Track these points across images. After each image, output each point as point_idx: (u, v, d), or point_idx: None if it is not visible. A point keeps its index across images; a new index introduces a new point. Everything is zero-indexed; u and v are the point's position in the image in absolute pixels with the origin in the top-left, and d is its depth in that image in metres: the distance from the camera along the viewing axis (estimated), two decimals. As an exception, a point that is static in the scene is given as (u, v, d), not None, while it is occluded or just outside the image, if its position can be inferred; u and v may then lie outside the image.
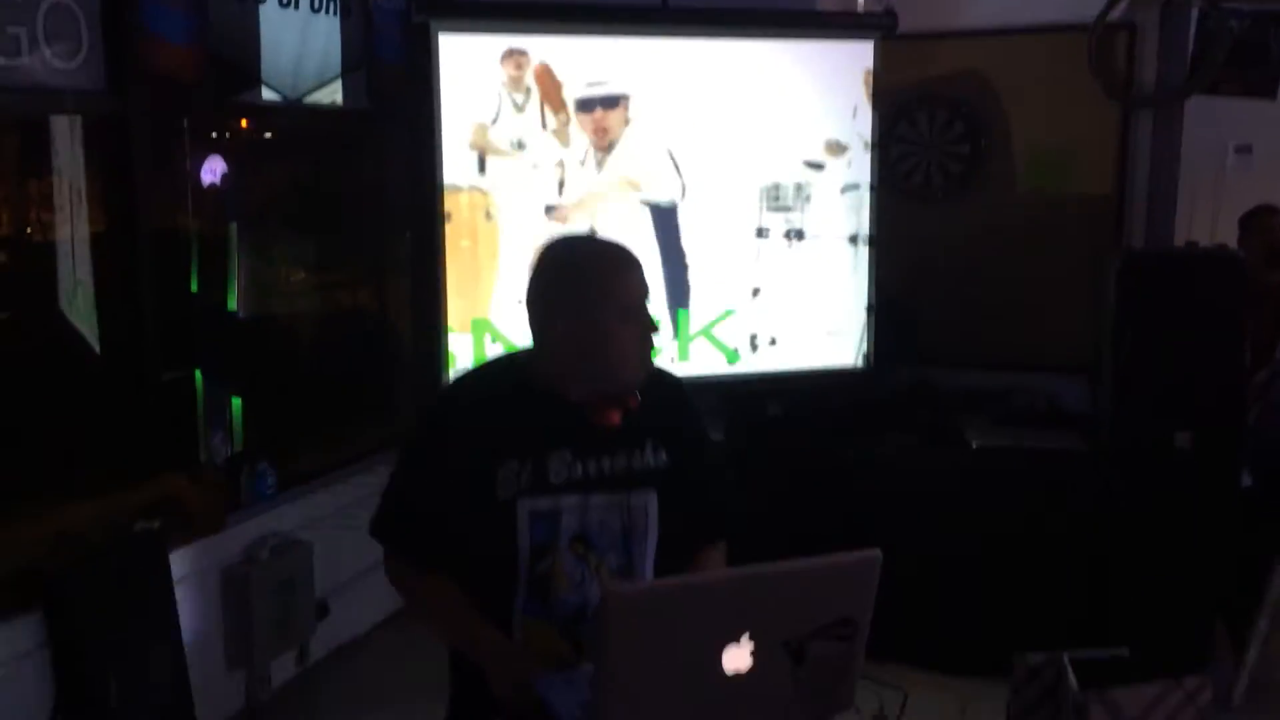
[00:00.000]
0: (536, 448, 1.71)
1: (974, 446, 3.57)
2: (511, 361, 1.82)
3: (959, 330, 4.04)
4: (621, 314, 1.67)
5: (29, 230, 3.35)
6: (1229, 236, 4.11)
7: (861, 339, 3.76)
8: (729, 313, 3.64)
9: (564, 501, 1.70)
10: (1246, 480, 3.36)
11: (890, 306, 3.80)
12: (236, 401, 3.69)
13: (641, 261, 1.74)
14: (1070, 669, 1.52)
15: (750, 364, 3.67)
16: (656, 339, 1.73)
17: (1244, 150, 7.18)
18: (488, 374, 1.85)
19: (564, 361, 1.71)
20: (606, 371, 1.70)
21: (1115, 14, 3.78)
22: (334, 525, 3.61)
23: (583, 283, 1.70)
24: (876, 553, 1.37)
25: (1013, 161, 4.02)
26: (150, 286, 3.18)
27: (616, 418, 1.72)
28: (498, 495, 1.69)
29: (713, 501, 1.86)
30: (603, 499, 1.73)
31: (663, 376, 1.87)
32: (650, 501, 1.76)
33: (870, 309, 3.74)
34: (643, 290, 1.71)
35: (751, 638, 1.33)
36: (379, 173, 4.37)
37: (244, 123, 3.87)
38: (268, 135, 4.06)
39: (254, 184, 4.04)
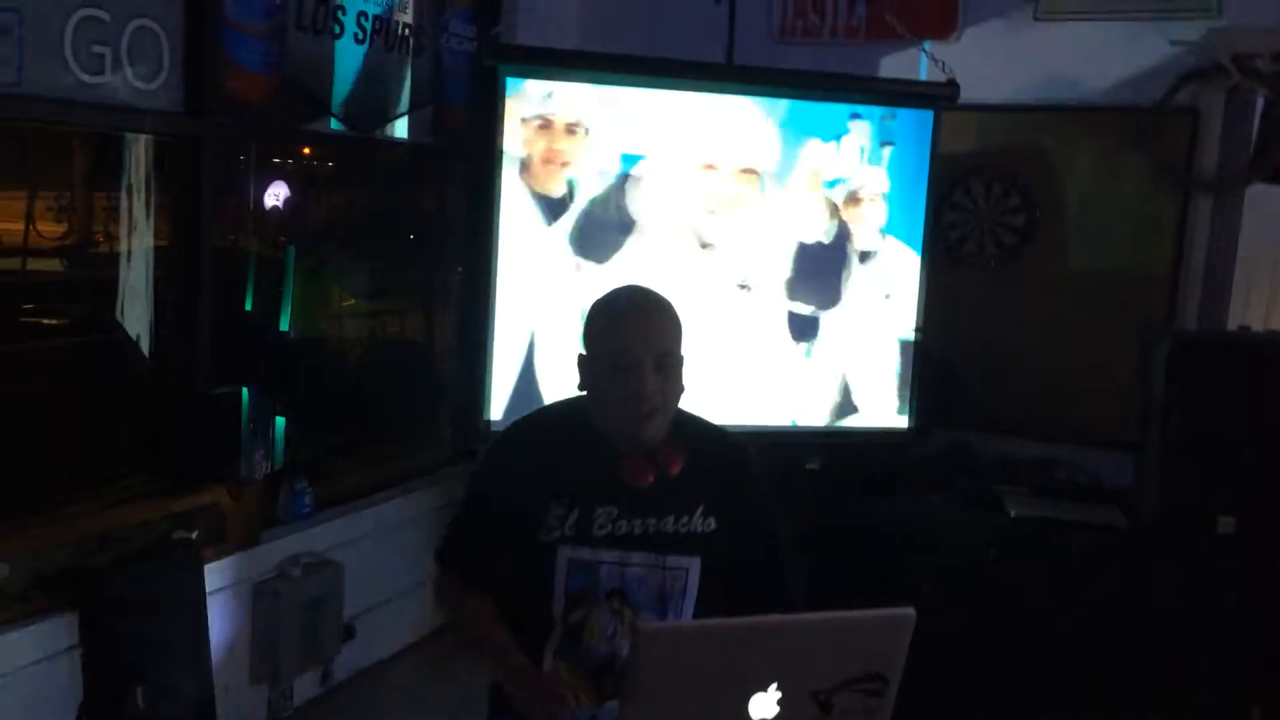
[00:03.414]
0: (585, 497, 1.72)
1: (1012, 515, 3.54)
2: (577, 404, 1.83)
3: (1002, 397, 4.01)
4: (610, 361, 1.68)
5: (96, 240, 3.44)
6: (1281, 323, 4.07)
7: (905, 401, 3.75)
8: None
9: (604, 555, 1.72)
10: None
11: (935, 370, 3.79)
12: (280, 420, 3.75)
13: (666, 310, 1.74)
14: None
15: (791, 417, 3.68)
16: (667, 393, 1.71)
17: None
18: (554, 414, 1.88)
19: (592, 413, 1.77)
20: (610, 424, 1.73)
21: (1179, 98, 3.79)
22: (367, 548, 3.64)
23: (591, 326, 1.76)
24: (911, 611, 1.36)
25: (1066, 235, 4.02)
26: (208, 302, 3.25)
27: (650, 479, 1.72)
28: (540, 538, 1.71)
29: (771, 575, 1.83)
30: (643, 558, 1.73)
31: (728, 441, 1.86)
32: (692, 567, 1.76)
33: (916, 371, 3.73)
34: (638, 340, 1.68)
35: (780, 686, 1.33)
36: (438, 207, 4.45)
37: (310, 150, 3.97)
38: (332, 164, 4.16)
39: (315, 210, 4.13)
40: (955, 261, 4.09)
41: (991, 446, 3.97)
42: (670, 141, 3.52)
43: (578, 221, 3.47)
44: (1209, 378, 3.28)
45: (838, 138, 3.64)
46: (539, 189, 3.44)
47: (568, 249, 3.47)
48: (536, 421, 1.88)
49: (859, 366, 3.71)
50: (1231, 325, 3.80)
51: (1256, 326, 3.67)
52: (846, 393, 3.70)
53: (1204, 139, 3.81)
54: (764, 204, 3.58)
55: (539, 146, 3.42)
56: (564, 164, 3.44)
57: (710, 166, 3.54)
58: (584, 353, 1.77)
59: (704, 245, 3.56)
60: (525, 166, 3.42)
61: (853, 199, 3.67)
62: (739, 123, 3.56)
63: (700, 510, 1.76)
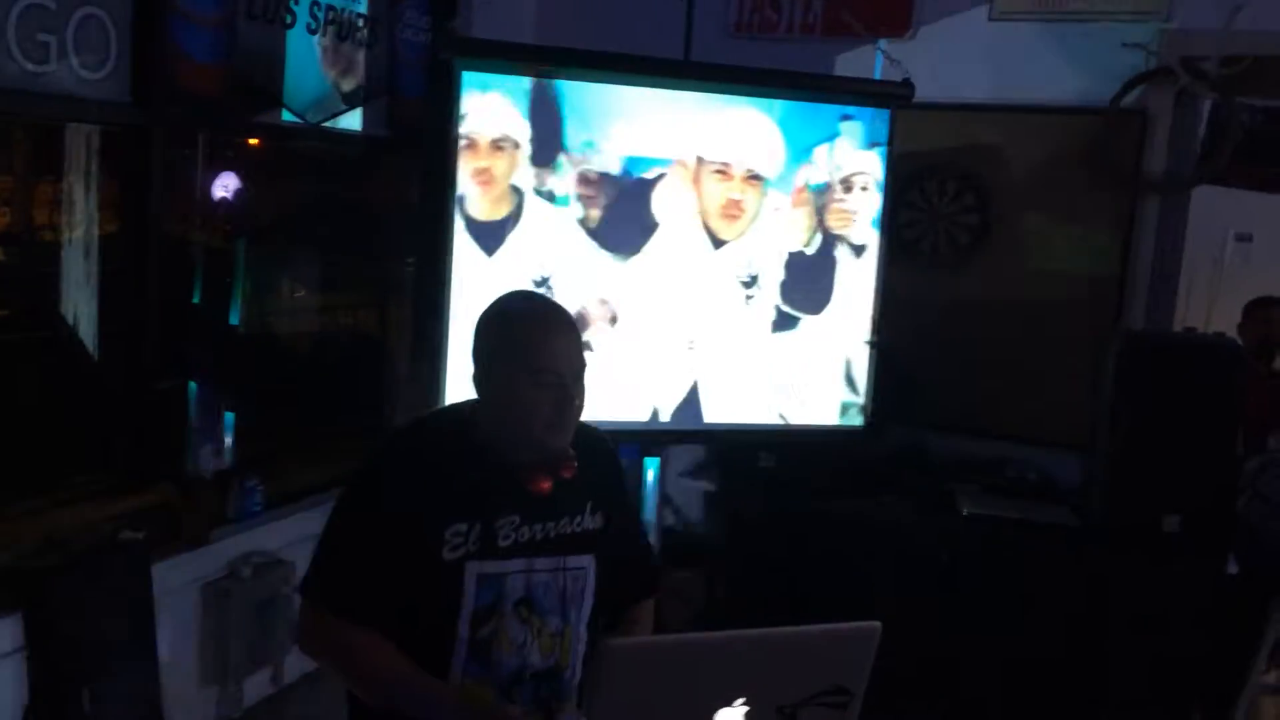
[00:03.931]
0: (484, 510, 1.68)
1: (965, 514, 3.58)
2: (456, 415, 1.79)
3: (956, 397, 4.06)
4: (533, 376, 1.65)
5: (40, 231, 3.36)
6: (1224, 323, 4.16)
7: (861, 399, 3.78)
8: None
9: (510, 565, 1.69)
10: (1233, 567, 3.37)
11: (892, 369, 3.82)
12: (230, 415, 3.69)
13: (574, 325, 1.74)
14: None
15: (746, 415, 3.68)
16: (580, 406, 1.70)
17: (1244, 239, 7.30)
18: (433, 428, 1.82)
19: (490, 420, 1.71)
20: (519, 434, 1.68)
21: (1128, 100, 3.85)
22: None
23: (504, 338, 1.70)
24: (877, 625, 1.37)
25: (1020, 235, 4.06)
26: (155, 295, 3.18)
27: (548, 486, 1.70)
28: (444, 557, 1.65)
29: (641, 558, 1.89)
30: (546, 562, 1.72)
31: (594, 435, 1.85)
32: (589, 565, 1.77)
33: (871, 370, 3.76)
34: (562, 356, 1.67)
35: (745, 701, 1.33)
36: (391, 199, 4.40)
37: (260, 141, 3.90)
38: (283, 155, 4.09)
39: (266, 202, 4.07)
40: (911, 260, 4.13)
41: (947, 446, 4.02)
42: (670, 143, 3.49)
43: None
44: (1155, 377, 3.34)
45: (831, 139, 3.64)
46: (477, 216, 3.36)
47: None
48: (412, 444, 1.79)
49: (823, 366, 3.72)
50: (1177, 326, 3.88)
51: (1199, 326, 3.74)
52: (811, 390, 3.71)
53: (1152, 141, 3.87)
54: (765, 209, 3.59)
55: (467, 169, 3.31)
56: (491, 182, 3.33)
57: (723, 172, 3.52)
58: (491, 360, 1.71)
59: (718, 243, 3.55)
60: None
61: (840, 194, 3.66)
62: (745, 127, 3.55)
63: (589, 508, 1.78)
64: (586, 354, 1.74)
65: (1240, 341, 4.15)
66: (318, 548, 1.73)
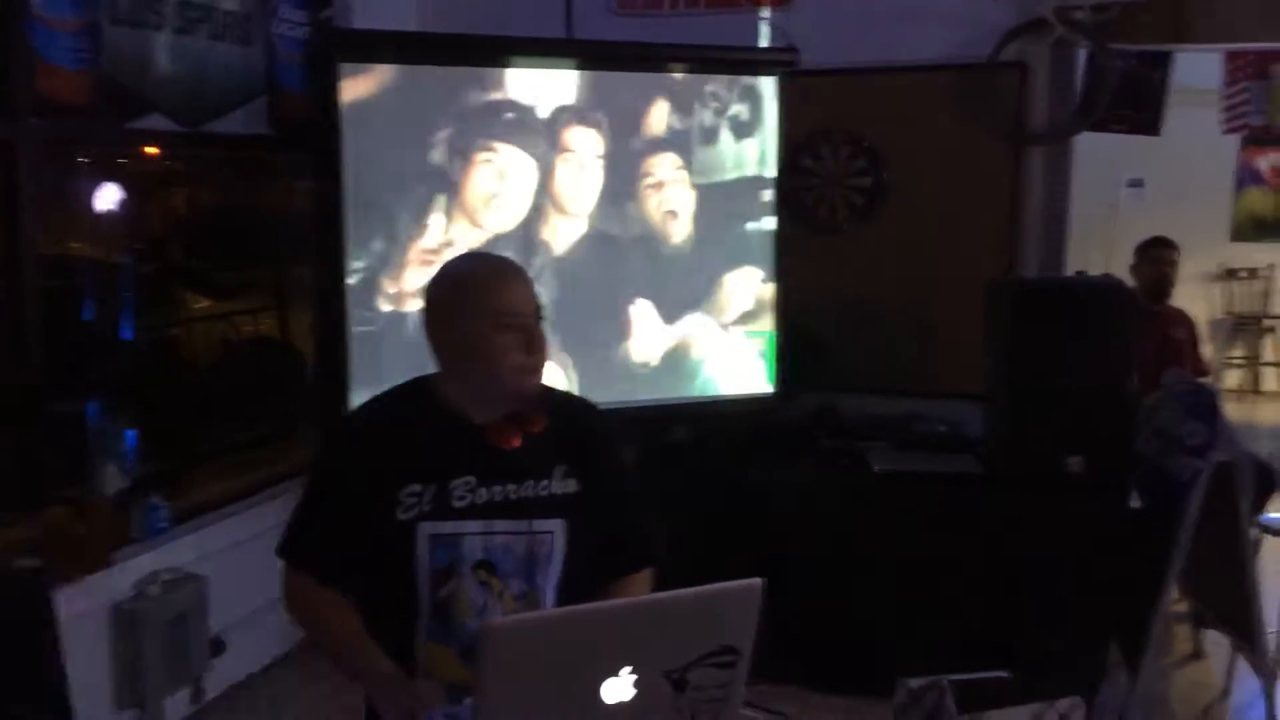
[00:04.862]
0: (440, 472, 1.70)
1: (876, 471, 3.63)
2: (418, 385, 1.80)
3: (862, 357, 4.11)
4: (495, 320, 1.67)
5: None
6: (1123, 267, 4.26)
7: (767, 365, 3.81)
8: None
9: (466, 527, 1.70)
10: (1136, 502, 3.46)
11: (796, 333, 3.85)
12: (129, 432, 3.59)
13: (526, 274, 1.76)
14: (950, 692, 1.55)
15: (657, 389, 3.69)
16: (546, 349, 1.72)
17: (1137, 184, 7.50)
18: (393, 397, 1.84)
19: (453, 373, 1.73)
20: (490, 380, 1.70)
21: (1006, 53, 3.91)
22: (230, 559, 3.52)
23: (459, 292, 1.72)
24: (757, 581, 1.37)
25: (913, 194, 4.12)
26: (36, 314, 3.08)
27: (517, 440, 1.71)
28: (398, 517, 1.68)
29: (632, 529, 1.85)
30: (506, 525, 1.72)
31: (577, 403, 1.89)
32: (558, 529, 1.75)
33: (776, 336, 3.78)
34: (521, 298, 1.70)
35: (633, 670, 1.33)
36: (283, 199, 4.31)
37: (144, 149, 3.79)
38: (166, 162, 3.99)
39: (152, 211, 3.96)
40: (807, 226, 4.16)
41: (857, 406, 4.07)
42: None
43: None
44: (1049, 322, 3.40)
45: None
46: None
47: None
48: (373, 407, 1.84)
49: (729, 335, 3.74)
50: (1070, 272, 3.96)
51: (1097, 272, 3.82)
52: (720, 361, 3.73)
53: (1033, 92, 3.95)
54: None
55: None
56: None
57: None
58: (451, 318, 1.71)
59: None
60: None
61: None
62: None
63: (560, 472, 1.77)
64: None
65: (1135, 282, 4.27)
66: (293, 510, 1.80)
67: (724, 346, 3.74)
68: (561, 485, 1.77)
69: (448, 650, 1.69)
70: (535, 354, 1.70)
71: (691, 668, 1.36)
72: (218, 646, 3.45)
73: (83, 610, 3.04)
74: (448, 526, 1.69)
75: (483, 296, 1.69)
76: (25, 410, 3.11)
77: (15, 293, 3.04)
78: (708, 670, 1.37)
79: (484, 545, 1.70)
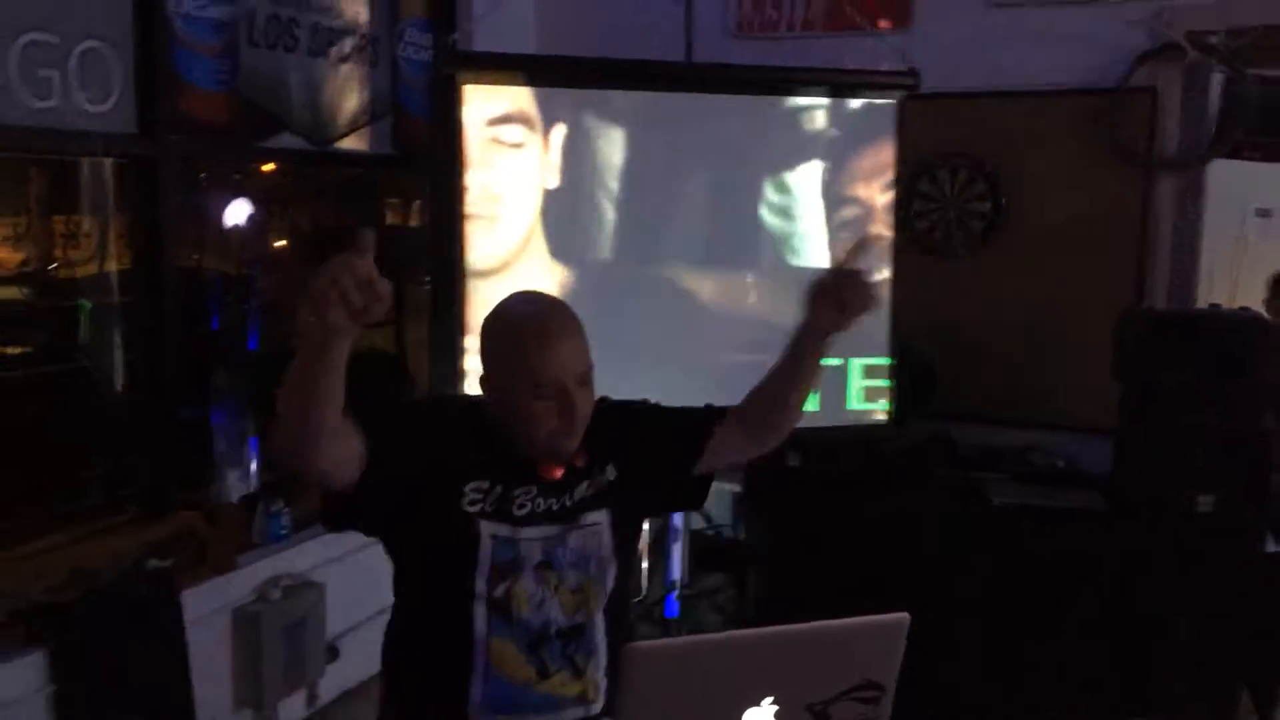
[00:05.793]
0: (506, 475, 1.72)
1: (995, 504, 3.54)
2: (474, 400, 1.82)
3: (979, 387, 4.02)
4: (531, 387, 1.65)
5: (56, 266, 3.39)
6: (1249, 299, 4.10)
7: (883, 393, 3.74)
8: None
9: (526, 533, 1.71)
10: (1273, 546, 3.32)
11: (911, 361, 3.78)
12: (254, 440, 3.70)
13: (575, 325, 1.71)
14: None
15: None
16: (587, 408, 1.70)
17: (1264, 214, 7.21)
18: (456, 401, 1.92)
19: (497, 415, 1.72)
20: (526, 439, 1.70)
21: (1137, 79, 3.81)
22: (347, 567, 3.59)
23: (501, 347, 1.70)
24: (905, 616, 1.35)
25: (1035, 220, 4.03)
26: (173, 325, 3.19)
27: (560, 474, 1.73)
28: (463, 509, 1.69)
29: (682, 410, 1.91)
30: (562, 527, 1.74)
31: (598, 408, 1.83)
32: (604, 520, 1.77)
33: (891, 363, 3.72)
34: (561, 362, 1.66)
35: (774, 700, 1.31)
36: (402, 218, 4.41)
37: (271, 166, 3.92)
38: (295, 179, 4.11)
39: (278, 226, 4.08)
40: (925, 251, 4.10)
41: (972, 437, 3.98)
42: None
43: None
44: (1181, 356, 3.29)
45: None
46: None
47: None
48: (461, 402, 1.90)
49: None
50: (1201, 304, 3.83)
51: (1223, 304, 3.69)
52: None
53: (1164, 117, 3.83)
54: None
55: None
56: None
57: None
58: (489, 374, 1.72)
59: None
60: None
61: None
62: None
63: (601, 466, 1.80)
64: (590, 351, 1.73)
65: (1269, 316, 4.10)
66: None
67: (838, 372, 3.69)
68: (604, 476, 1.79)
69: (510, 644, 1.69)
70: (571, 422, 1.68)
71: (834, 701, 1.34)
72: (332, 653, 3.52)
73: (207, 612, 3.13)
74: (507, 530, 1.70)
75: (521, 359, 1.66)
76: (158, 418, 3.23)
77: (156, 305, 3.16)
78: (851, 705, 1.34)
79: (543, 547, 1.72)
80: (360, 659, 3.70)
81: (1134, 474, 3.40)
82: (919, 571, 3.41)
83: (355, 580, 3.58)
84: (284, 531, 3.47)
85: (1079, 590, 3.31)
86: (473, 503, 1.69)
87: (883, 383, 3.71)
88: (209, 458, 3.56)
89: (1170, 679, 3.19)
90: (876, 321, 3.69)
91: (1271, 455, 3.35)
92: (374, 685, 3.71)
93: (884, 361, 3.71)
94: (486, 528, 1.69)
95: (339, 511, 1.66)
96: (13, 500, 3.00)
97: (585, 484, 1.77)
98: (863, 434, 3.73)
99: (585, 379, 1.70)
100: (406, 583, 1.77)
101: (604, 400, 1.84)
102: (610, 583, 1.77)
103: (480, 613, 1.68)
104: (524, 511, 1.71)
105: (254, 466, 3.67)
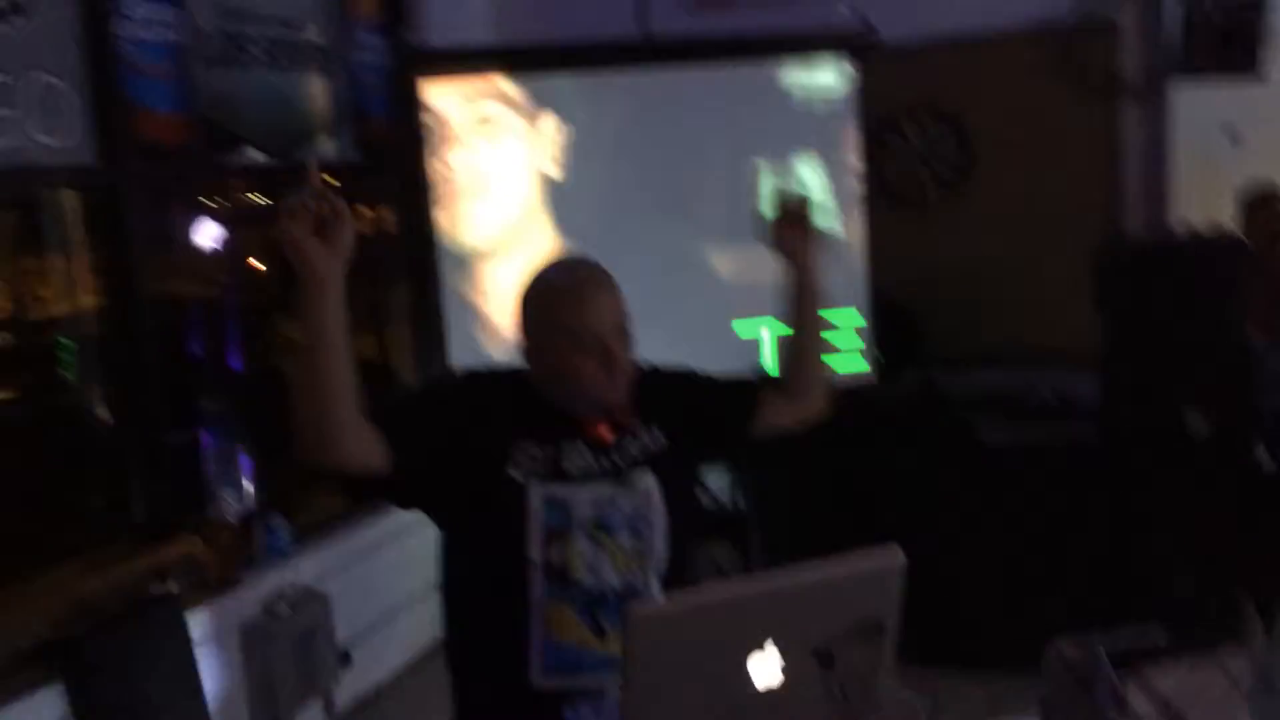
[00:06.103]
0: (555, 435, 1.74)
1: (987, 445, 3.55)
2: (515, 371, 1.84)
3: (963, 332, 4.03)
4: (573, 340, 1.70)
5: (30, 305, 3.36)
6: (1222, 217, 4.10)
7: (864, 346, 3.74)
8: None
9: (578, 492, 1.72)
10: (1269, 465, 3.32)
11: (893, 314, 3.78)
12: (245, 458, 3.69)
13: (609, 280, 1.76)
14: (1103, 653, 1.50)
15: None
16: (627, 358, 1.74)
17: (1231, 133, 7.18)
18: (504, 371, 1.88)
19: (540, 379, 1.77)
20: (572, 396, 1.74)
21: (1094, 7, 3.79)
22: (353, 573, 3.60)
23: (540, 307, 1.76)
24: (897, 550, 1.34)
25: (1005, 162, 4.03)
26: (152, 352, 3.18)
27: (608, 434, 1.76)
28: (509, 473, 1.70)
29: (728, 382, 1.95)
30: (614, 485, 1.75)
31: (643, 368, 1.86)
32: (653, 484, 1.78)
33: (869, 316, 3.71)
34: (602, 316, 1.72)
35: (779, 648, 1.31)
36: (372, 223, 4.39)
37: (240, 184, 3.89)
38: (259, 195, 4.08)
39: (249, 242, 4.06)
40: (898, 204, 4.09)
41: (961, 381, 3.98)
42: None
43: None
44: (1160, 281, 3.29)
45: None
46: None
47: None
48: (500, 371, 1.88)
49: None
50: (1176, 227, 3.83)
51: (1200, 225, 3.69)
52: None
53: (1123, 47, 3.83)
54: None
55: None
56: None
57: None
58: (531, 334, 1.77)
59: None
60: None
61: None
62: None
63: (650, 429, 1.82)
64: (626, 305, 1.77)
65: (1248, 237, 4.09)
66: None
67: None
68: (652, 440, 1.81)
69: (566, 607, 1.70)
70: (614, 373, 1.72)
71: (838, 642, 1.34)
72: (345, 659, 3.52)
73: (215, 631, 3.13)
74: (559, 490, 1.71)
75: (561, 315, 1.72)
76: (147, 445, 3.22)
77: (131, 333, 3.14)
78: (854, 645, 1.34)
79: (594, 506, 1.73)
80: (373, 663, 3.71)
81: (1121, 401, 3.40)
82: (917, 517, 3.42)
83: (362, 585, 3.60)
84: (284, 545, 3.46)
85: (1077, 520, 3.32)
86: (521, 465, 1.71)
87: (855, 340, 3.70)
88: (203, 480, 3.55)
89: (1175, 598, 3.20)
90: (851, 275, 3.69)
91: (1261, 376, 3.36)
92: (390, 688, 3.74)
93: (855, 318, 3.69)
94: (537, 490, 1.70)
95: (369, 488, 1.70)
96: (10, 539, 2.99)
97: (635, 446, 1.79)
98: (848, 387, 3.72)
99: (622, 330, 1.74)
100: (457, 552, 1.79)
101: (653, 367, 1.88)
102: (660, 545, 1.78)
103: (536, 578, 1.70)
104: (576, 469, 1.73)
105: (248, 484, 3.66)
